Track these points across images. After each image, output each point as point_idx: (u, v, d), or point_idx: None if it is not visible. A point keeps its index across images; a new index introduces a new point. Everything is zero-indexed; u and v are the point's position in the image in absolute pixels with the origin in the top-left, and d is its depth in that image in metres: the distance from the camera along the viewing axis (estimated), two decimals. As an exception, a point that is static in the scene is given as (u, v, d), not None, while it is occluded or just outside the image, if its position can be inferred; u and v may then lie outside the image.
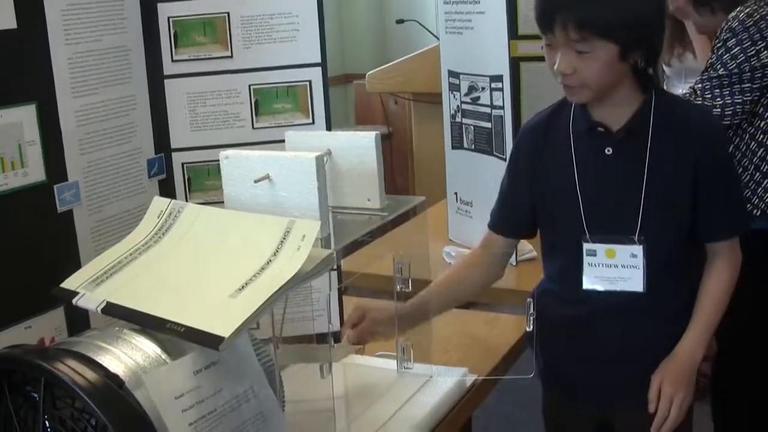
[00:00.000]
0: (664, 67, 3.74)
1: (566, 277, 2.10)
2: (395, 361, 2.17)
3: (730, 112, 2.79)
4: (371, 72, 4.62)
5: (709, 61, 2.86)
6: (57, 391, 1.41)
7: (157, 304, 1.54)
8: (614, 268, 2.02)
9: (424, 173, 4.55)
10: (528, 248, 3.05)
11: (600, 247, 2.03)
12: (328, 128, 2.30)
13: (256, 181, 1.74)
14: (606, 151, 2.01)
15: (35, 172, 1.94)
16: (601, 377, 2.11)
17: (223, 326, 1.44)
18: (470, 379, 2.18)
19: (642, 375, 2.05)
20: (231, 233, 1.66)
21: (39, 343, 1.94)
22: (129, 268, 1.67)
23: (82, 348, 1.47)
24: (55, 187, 1.99)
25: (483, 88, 3.00)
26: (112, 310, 1.57)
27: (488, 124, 3.02)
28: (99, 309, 1.59)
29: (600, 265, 2.04)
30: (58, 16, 1.99)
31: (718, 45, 2.82)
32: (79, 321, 1.94)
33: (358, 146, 1.90)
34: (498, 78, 2.92)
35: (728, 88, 2.79)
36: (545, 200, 2.11)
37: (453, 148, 3.25)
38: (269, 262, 1.56)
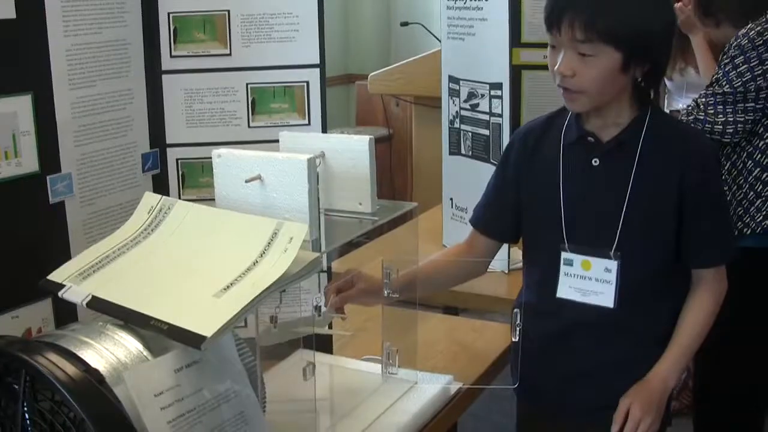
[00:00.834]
0: (666, 81, 3.74)
1: (544, 285, 2.08)
2: (380, 365, 2.17)
3: (731, 130, 2.79)
4: (373, 73, 4.62)
5: (715, 77, 2.85)
6: (37, 384, 1.41)
7: (142, 300, 1.54)
8: (588, 281, 2.00)
9: (423, 176, 4.55)
10: (521, 257, 3.04)
11: (577, 258, 2.01)
12: (324, 130, 2.31)
13: (247, 181, 1.74)
14: (593, 161, 1.99)
15: (29, 162, 1.94)
16: (572, 393, 2.09)
17: (206, 325, 1.44)
18: (455, 386, 2.18)
19: (612, 394, 2.01)
20: (219, 233, 1.67)
21: (25, 334, 1.94)
22: (116, 262, 1.68)
23: (65, 342, 1.47)
24: (48, 178, 1.99)
25: (482, 95, 3.00)
26: (96, 304, 1.58)
27: (486, 132, 3.01)
28: (84, 303, 1.59)
29: (575, 275, 2.02)
30: (58, 8, 2.00)
31: (726, 61, 2.82)
32: (66, 313, 1.95)
33: (352, 150, 1.90)
34: (498, 86, 2.92)
35: (732, 106, 2.79)
36: (530, 206, 2.10)
37: (450, 153, 3.25)
38: (256, 263, 1.56)
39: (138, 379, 1.42)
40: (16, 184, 1.91)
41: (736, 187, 2.84)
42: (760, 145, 2.82)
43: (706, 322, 2.05)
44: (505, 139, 2.92)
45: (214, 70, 2.28)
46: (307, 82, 2.29)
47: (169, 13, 2.24)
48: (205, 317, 1.46)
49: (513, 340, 2.09)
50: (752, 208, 2.82)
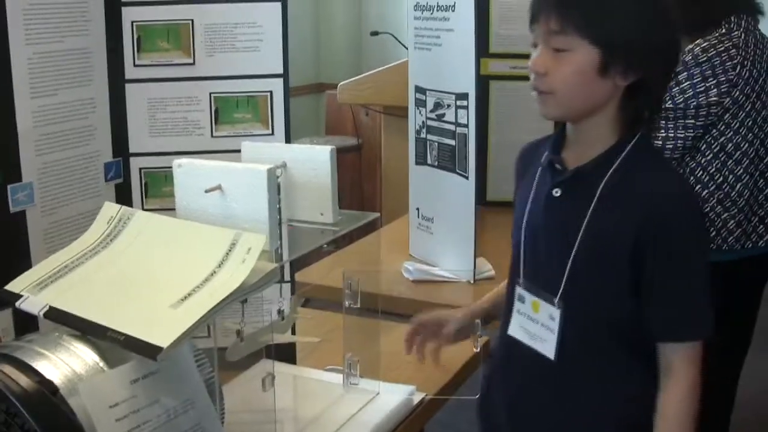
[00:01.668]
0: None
1: (505, 318, 1.95)
2: (342, 376, 2.17)
3: (671, 146, 2.81)
4: (342, 83, 4.62)
5: None
6: (-9, 395, 1.40)
7: (99, 310, 1.54)
8: (536, 324, 1.82)
9: (393, 186, 4.54)
10: (487, 267, 3.05)
11: (528, 296, 1.85)
12: (288, 140, 2.30)
13: (207, 191, 1.73)
14: (554, 192, 1.81)
15: (-12, 171, 1.93)
16: (521, 425, 1.96)
17: (162, 336, 1.43)
18: (418, 396, 2.18)
19: None
20: (178, 243, 1.66)
21: (-16, 344, 1.93)
22: (75, 272, 1.67)
23: (20, 353, 1.46)
24: (9, 187, 1.98)
25: (448, 106, 3.01)
26: (53, 314, 1.57)
27: (452, 142, 3.02)
28: (41, 313, 1.58)
29: (526, 315, 1.86)
30: (19, 16, 1.98)
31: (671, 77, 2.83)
32: (26, 323, 1.93)
33: (314, 160, 1.90)
34: (464, 96, 2.93)
35: (672, 122, 2.81)
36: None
37: (417, 163, 3.26)
38: (213, 273, 1.56)
39: (93, 391, 1.41)
40: (-25, 194, 1.90)
41: None
42: (701, 161, 2.85)
43: (687, 417, 1.78)
44: (471, 149, 2.93)
45: (177, 79, 2.27)
46: (271, 92, 2.28)
47: (132, 22, 2.23)
48: (161, 328, 1.46)
49: (474, 350, 2.07)
50: None
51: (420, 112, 3.17)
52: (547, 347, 1.81)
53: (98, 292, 1.60)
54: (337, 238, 1.93)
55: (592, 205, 1.75)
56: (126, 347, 1.46)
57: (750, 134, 2.84)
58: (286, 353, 2.27)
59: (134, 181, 2.29)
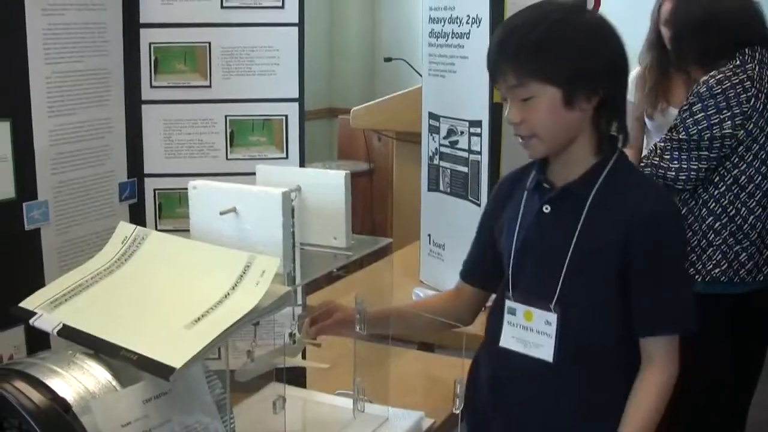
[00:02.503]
0: (646, 120, 3.76)
1: (493, 334, 2.00)
2: (352, 400, 2.17)
3: (684, 177, 2.81)
4: (356, 108, 4.64)
5: (674, 123, 2.88)
6: (4, 411, 1.40)
7: (113, 330, 1.54)
8: (530, 332, 1.92)
9: (404, 211, 4.55)
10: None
11: (520, 307, 1.94)
12: (302, 164, 2.31)
13: (222, 213, 1.74)
14: (544, 208, 1.92)
15: (5, 188, 1.95)
16: None
17: (175, 357, 1.44)
18: (427, 422, 2.18)
19: None
20: (192, 264, 1.67)
21: (-4, 361, 1.94)
22: (89, 291, 1.67)
23: (33, 370, 1.47)
24: (24, 204, 2.00)
25: (462, 132, 3.02)
26: (67, 332, 1.57)
27: (465, 169, 3.03)
28: (55, 331, 1.59)
29: (518, 325, 1.94)
30: (39, 35, 2.00)
31: (685, 108, 2.83)
32: (39, 341, 1.93)
33: (328, 184, 1.91)
34: (477, 123, 2.94)
35: (686, 153, 2.81)
36: (500, 254, 2.04)
37: (429, 190, 3.26)
38: (227, 295, 1.56)
39: (105, 409, 1.42)
40: (-9, 210, 1.91)
41: (691, 233, 2.86)
42: (714, 193, 2.85)
43: (654, 410, 1.88)
44: (484, 176, 2.94)
45: (193, 101, 2.29)
46: (286, 116, 2.30)
47: (150, 44, 2.25)
48: (175, 348, 1.46)
49: (454, 411, 2.04)
50: (704, 256, 2.85)
51: (433, 139, 3.18)
52: (544, 352, 1.90)
53: (112, 312, 1.61)
54: (348, 263, 1.93)
55: (582, 217, 1.87)
56: (139, 366, 1.47)
57: (763, 167, 2.84)
58: (296, 377, 2.27)
59: (148, 201, 2.30)
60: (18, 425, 1.39)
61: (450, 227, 3.16)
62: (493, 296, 2.08)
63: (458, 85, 3.04)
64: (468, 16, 2.96)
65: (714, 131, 2.77)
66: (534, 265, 1.93)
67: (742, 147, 2.80)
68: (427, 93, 3.26)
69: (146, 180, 2.29)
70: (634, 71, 3.81)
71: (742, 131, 2.78)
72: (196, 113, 2.29)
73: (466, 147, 3.01)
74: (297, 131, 2.31)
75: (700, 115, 2.78)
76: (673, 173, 2.81)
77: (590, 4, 2.79)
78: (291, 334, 2.02)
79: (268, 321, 1.98)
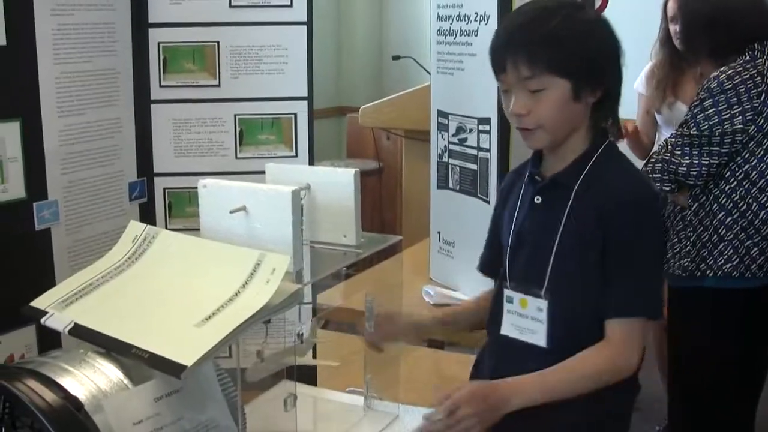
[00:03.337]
0: (655, 114, 3.77)
1: (494, 322, 2.04)
2: (363, 398, 2.17)
3: (695, 172, 2.81)
4: (364, 106, 4.63)
5: (685, 118, 2.87)
6: (16, 410, 1.41)
7: (124, 328, 1.54)
8: (525, 319, 1.97)
9: (413, 209, 4.54)
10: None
11: (516, 296, 1.99)
12: (311, 162, 2.32)
13: (231, 212, 1.74)
14: (536, 199, 1.97)
15: (15, 188, 1.95)
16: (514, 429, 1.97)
17: (186, 355, 1.44)
18: (437, 419, 2.17)
19: None
20: (202, 262, 1.67)
21: (7, 360, 1.94)
22: (100, 290, 1.68)
23: (45, 368, 1.47)
24: (34, 204, 2.00)
25: (471, 130, 3.02)
26: (78, 331, 1.58)
27: (474, 166, 3.03)
28: (66, 330, 1.59)
29: (515, 313, 1.99)
30: (49, 36, 2.01)
31: (696, 103, 2.83)
32: (50, 340, 1.94)
33: (337, 182, 1.91)
34: (486, 120, 2.94)
35: (697, 149, 2.80)
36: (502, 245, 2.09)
37: (438, 187, 3.26)
38: (237, 293, 1.57)
39: (117, 407, 1.42)
40: (2, 210, 1.92)
41: (702, 228, 2.86)
42: (725, 189, 2.84)
43: (587, 378, 1.87)
44: (493, 174, 2.93)
45: (202, 100, 2.29)
46: (295, 115, 2.30)
47: (159, 43, 2.26)
48: (186, 346, 1.46)
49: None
50: (715, 251, 2.84)
51: (442, 136, 3.18)
52: (538, 337, 1.94)
53: (123, 310, 1.61)
54: (357, 261, 1.93)
55: (568, 206, 1.91)
56: (150, 365, 1.47)
57: (774, 162, 2.84)
58: (307, 375, 2.27)
59: (158, 200, 2.31)
60: (30, 424, 1.39)
61: (459, 225, 3.16)
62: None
63: (467, 83, 3.03)
64: (476, 13, 2.96)
65: (725, 126, 2.77)
66: (527, 254, 1.98)
67: (752, 142, 2.79)
68: (436, 91, 3.26)
69: (156, 179, 2.30)
70: (647, 66, 3.82)
71: (752, 126, 2.77)
72: (205, 112, 2.29)
73: (475, 144, 3.01)
74: (306, 130, 2.31)
75: (711, 111, 2.78)
76: (684, 168, 2.81)
77: (597, 3, 2.78)
78: (299, 334, 2.02)
79: (278, 320, 1.97)
